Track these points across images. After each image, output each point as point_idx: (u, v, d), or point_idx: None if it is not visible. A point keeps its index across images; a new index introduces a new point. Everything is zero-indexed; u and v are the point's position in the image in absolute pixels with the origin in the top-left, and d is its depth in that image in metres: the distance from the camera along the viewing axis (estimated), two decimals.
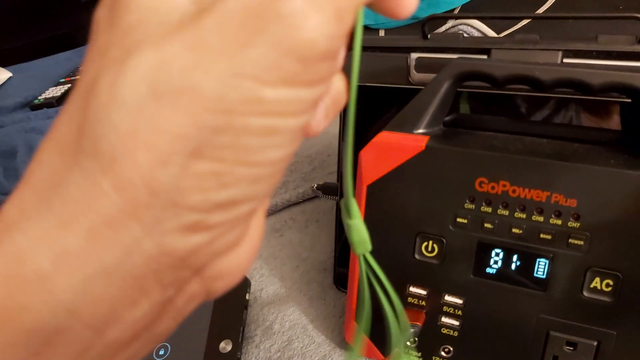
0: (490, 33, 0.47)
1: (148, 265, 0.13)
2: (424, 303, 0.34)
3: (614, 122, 0.42)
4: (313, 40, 0.12)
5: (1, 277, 0.12)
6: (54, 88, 0.88)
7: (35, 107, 0.84)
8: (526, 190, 0.30)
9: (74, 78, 0.90)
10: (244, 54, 0.12)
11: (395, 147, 0.32)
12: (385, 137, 0.33)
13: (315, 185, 0.51)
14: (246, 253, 0.16)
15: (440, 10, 0.74)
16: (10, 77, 1.01)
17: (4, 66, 1.04)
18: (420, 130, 0.33)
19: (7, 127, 0.79)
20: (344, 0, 0.12)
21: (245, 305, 0.43)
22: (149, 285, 0.13)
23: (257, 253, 0.16)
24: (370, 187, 0.34)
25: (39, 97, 0.86)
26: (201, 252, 0.14)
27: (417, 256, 0.34)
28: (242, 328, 0.41)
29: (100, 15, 0.14)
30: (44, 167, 0.13)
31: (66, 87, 0.87)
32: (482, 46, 0.35)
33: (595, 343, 0.31)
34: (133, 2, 0.13)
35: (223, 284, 0.16)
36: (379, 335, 0.36)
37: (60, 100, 0.84)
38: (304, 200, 0.57)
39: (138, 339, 0.14)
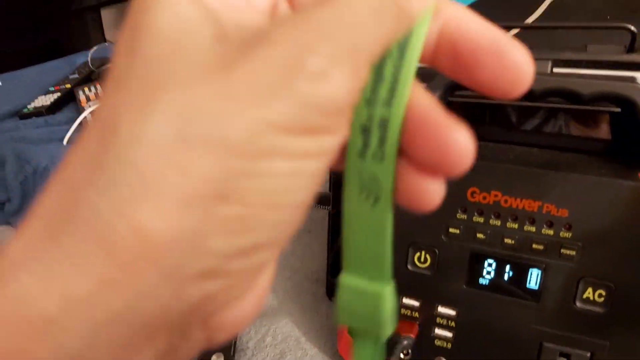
0: None
1: (159, 312, 0.12)
2: (417, 314, 0.34)
3: (603, 131, 0.42)
4: (334, 95, 0.13)
5: (3, 320, 0.11)
6: (43, 96, 0.87)
7: (25, 116, 0.83)
8: (518, 200, 0.30)
9: (63, 86, 0.89)
10: (271, 106, 0.12)
11: None
12: None
13: None
14: (252, 304, 0.15)
15: None
16: None
17: None
18: None
19: None
20: (360, 57, 0.13)
21: None
22: (156, 332, 0.13)
23: (262, 306, 0.16)
24: None
25: (28, 106, 0.85)
26: (215, 300, 0.13)
27: (409, 267, 0.34)
28: (234, 341, 0.40)
29: (121, 39, 0.13)
30: (53, 203, 0.12)
31: (56, 95, 0.86)
32: None
33: (588, 354, 0.30)
34: (153, 31, 0.13)
35: (225, 335, 0.15)
36: None
37: (49, 109, 0.83)
38: None
39: None
